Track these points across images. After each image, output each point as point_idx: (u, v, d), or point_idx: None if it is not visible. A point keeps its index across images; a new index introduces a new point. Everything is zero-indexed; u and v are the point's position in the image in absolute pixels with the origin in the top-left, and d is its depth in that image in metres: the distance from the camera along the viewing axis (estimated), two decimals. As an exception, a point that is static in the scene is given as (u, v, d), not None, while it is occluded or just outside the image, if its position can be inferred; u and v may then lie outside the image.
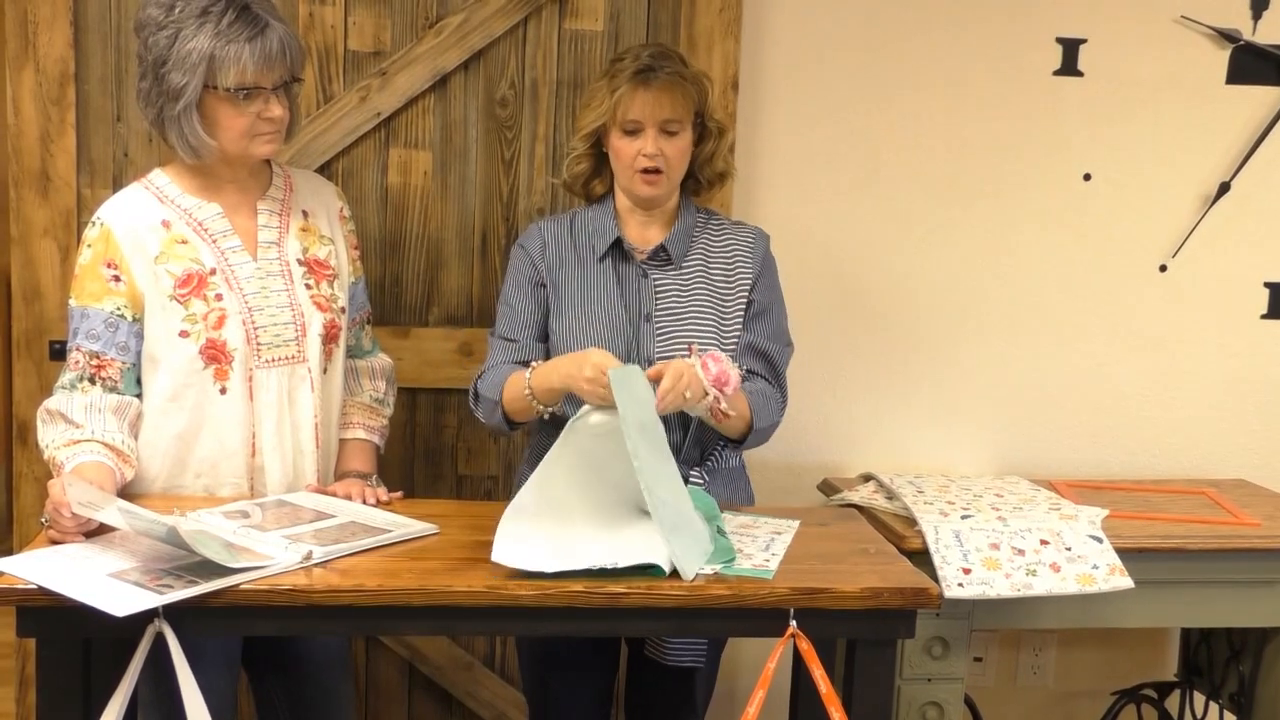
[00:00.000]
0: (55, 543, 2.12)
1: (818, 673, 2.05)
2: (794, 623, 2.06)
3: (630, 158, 2.46)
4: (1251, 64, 3.22)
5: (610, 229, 2.53)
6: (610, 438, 2.17)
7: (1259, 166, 3.25)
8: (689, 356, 2.32)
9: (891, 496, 2.94)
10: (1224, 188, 3.25)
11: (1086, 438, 3.31)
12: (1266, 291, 3.32)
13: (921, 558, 2.60)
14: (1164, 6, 3.17)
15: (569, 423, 2.21)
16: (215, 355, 2.36)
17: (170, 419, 2.37)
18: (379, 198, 3.01)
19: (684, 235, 2.55)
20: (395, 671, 3.14)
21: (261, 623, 2.09)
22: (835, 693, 2.08)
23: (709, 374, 2.27)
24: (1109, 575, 2.66)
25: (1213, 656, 3.22)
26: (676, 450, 2.40)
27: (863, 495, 2.97)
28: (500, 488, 3.09)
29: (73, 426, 2.29)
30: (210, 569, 2.00)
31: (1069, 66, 3.17)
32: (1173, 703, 3.37)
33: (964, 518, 2.74)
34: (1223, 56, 3.21)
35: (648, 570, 2.08)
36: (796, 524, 2.41)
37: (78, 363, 2.33)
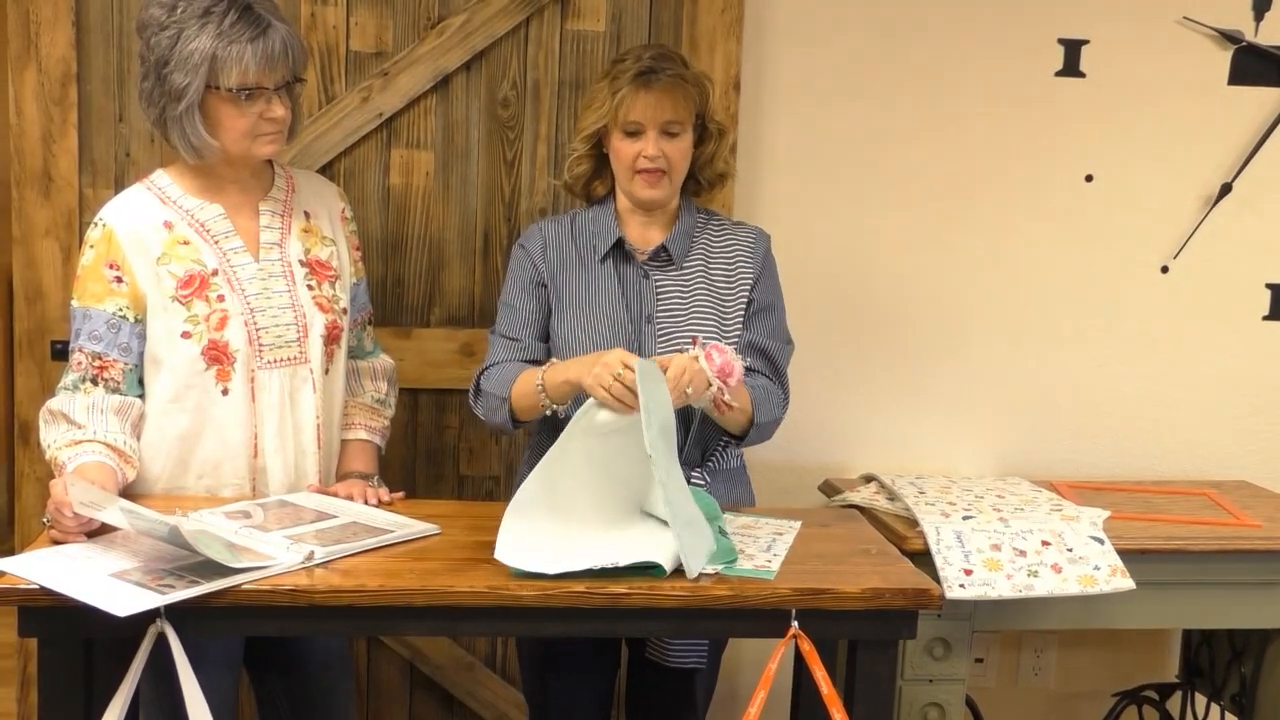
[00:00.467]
0: (57, 543, 2.12)
1: (819, 673, 2.05)
2: (795, 623, 2.06)
3: (631, 159, 2.46)
4: (1253, 65, 3.22)
5: (611, 230, 2.53)
6: (616, 435, 2.17)
7: (1261, 168, 3.25)
8: (693, 348, 2.31)
9: (893, 497, 2.94)
10: (1226, 189, 3.25)
11: (1088, 439, 3.31)
12: (1268, 293, 3.31)
13: (923, 559, 2.60)
14: (1166, 8, 3.17)
15: (572, 419, 2.21)
16: (217, 356, 2.36)
17: (172, 420, 2.37)
18: (381, 198, 3.01)
19: (685, 236, 2.55)
20: (396, 672, 3.14)
21: (263, 623, 2.09)
22: (837, 693, 2.08)
23: (713, 365, 2.26)
24: (1110, 576, 2.65)
25: (1214, 658, 3.22)
26: (677, 451, 2.40)
27: (864, 496, 2.97)
28: (502, 488, 3.09)
29: (75, 427, 2.29)
30: (212, 569, 2.00)
31: (1071, 68, 3.17)
32: (1174, 704, 3.37)
33: (965, 519, 2.74)
34: (1224, 58, 3.21)
35: (649, 570, 2.08)
36: (798, 525, 2.41)
37: (80, 363, 2.33)
